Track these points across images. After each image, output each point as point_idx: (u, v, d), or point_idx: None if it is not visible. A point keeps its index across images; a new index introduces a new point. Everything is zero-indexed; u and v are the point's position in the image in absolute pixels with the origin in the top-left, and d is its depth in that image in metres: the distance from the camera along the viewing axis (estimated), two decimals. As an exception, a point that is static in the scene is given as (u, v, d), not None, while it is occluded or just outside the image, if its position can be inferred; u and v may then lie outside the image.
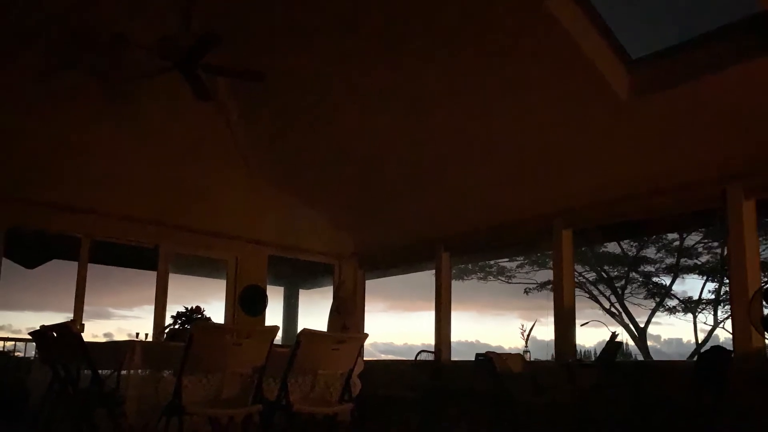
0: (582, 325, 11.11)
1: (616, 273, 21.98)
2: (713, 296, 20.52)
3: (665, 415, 8.28)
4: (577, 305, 11.24)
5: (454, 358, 13.19)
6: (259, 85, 9.64)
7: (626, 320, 21.68)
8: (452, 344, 13.28)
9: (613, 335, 9.54)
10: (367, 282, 15.54)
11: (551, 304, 11.22)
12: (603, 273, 22.00)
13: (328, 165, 12.64)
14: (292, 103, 11.18)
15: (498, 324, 26.77)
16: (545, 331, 11.62)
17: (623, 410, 8.64)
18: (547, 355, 12.38)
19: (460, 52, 9.03)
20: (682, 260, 20.81)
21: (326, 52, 9.88)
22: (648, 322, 21.58)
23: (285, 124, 11.85)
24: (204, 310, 7.97)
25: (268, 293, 14.07)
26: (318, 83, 10.54)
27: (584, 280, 21.84)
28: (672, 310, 21.33)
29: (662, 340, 22.50)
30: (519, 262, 21.95)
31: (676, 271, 21.15)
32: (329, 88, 10.59)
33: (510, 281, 22.49)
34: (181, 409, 5.55)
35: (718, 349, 8.23)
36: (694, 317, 21.00)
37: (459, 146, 10.82)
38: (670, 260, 21.03)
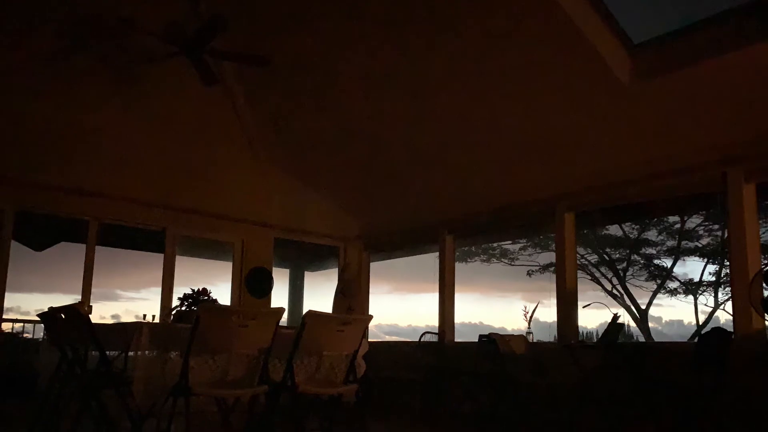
0: (584, 307, 11.20)
1: (617, 255, 22.04)
2: (714, 278, 20.58)
3: (666, 395, 8.38)
4: (579, 287, 11.31)
5: (457, 339, 13.29)
6: (264, 69, 9.72)
7: (628, 302, 21.74)
8: (456, 326, 13.38)
9: (615, 317, 9.62)
10: (371, 264, 15.63)
11: (554, 286, 11.31)
12: (605, 255, 22.06)
13: (332, 148, 12.73)
14: (298, 86, 11.25)
15: (501, 306, 26.85)
16: (547, 312, 11.73)
17: (625, 391, 8.74)
18: (550, 336, 12.49)
19: (462, 36, 9.08)
20: (683, 243, 20.86)
21: (331, 36, 9.94)
22: (649, 304, 21.64)
23: (290, 107, 11.92)
24: (210, 292, 8.04)
25: (273, 275, 14.17)
26: (323, 67, 10.60)
27: (586, 263, 21.90)
28: (673, 292, 21.39)
29: (663, 321, 22.59)
30: (522, 245, 22.00)
31: (677, 254, 21.19)
32: (334, 72, 10.65)
33: (513, 263, 22.56)
34: (188, 389, 5.64)
35: (719, 330, 8.31)
36: (695, 299, 21.06)
37: (462, 130, 10.89)
38: (671, 243, 21.07)
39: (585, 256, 21.73)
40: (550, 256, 20.35)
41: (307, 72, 10.81)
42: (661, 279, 21.52)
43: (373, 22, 9.41)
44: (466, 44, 9.21)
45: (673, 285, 21.42)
